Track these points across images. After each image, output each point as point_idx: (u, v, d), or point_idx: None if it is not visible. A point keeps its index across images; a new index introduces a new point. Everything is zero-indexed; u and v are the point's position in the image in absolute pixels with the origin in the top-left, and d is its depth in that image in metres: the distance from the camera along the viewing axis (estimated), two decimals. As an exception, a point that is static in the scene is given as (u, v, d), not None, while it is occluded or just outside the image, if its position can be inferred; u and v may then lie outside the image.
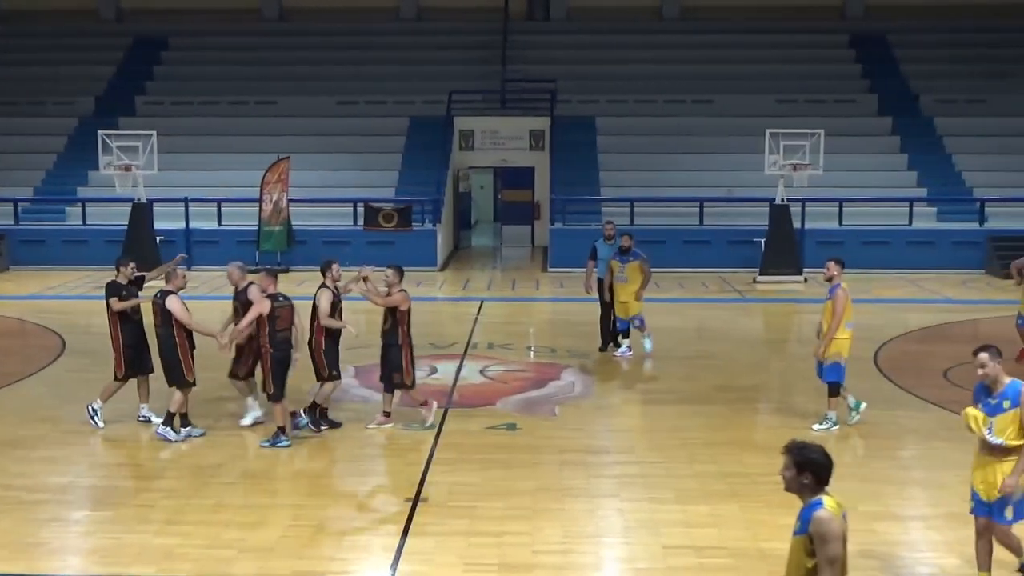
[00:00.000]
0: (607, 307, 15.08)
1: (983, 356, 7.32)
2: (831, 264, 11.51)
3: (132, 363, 11.31)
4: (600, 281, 15.20)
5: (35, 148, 28.85)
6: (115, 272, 11.49)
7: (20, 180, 27.51)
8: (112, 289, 11.33)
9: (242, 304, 11.27)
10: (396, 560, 8.01)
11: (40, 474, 9.93)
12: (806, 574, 5.15)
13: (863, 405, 11.63)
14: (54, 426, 11.54)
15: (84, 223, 26.09)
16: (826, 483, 5.27)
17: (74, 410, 11.89)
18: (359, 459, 10.53)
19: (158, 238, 23.82)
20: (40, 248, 25.39)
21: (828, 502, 5.19)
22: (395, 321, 11.20)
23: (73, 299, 20.62)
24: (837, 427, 11.43)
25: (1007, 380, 7.32)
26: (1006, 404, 7.24)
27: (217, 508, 9.07)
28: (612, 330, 15.21)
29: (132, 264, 11.62)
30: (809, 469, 5.23)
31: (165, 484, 9.65)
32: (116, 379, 11.37)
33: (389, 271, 11.40)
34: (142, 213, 23.69)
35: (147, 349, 11.41)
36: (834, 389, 11.43)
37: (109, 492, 9.47)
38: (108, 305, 11.23)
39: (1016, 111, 28.96)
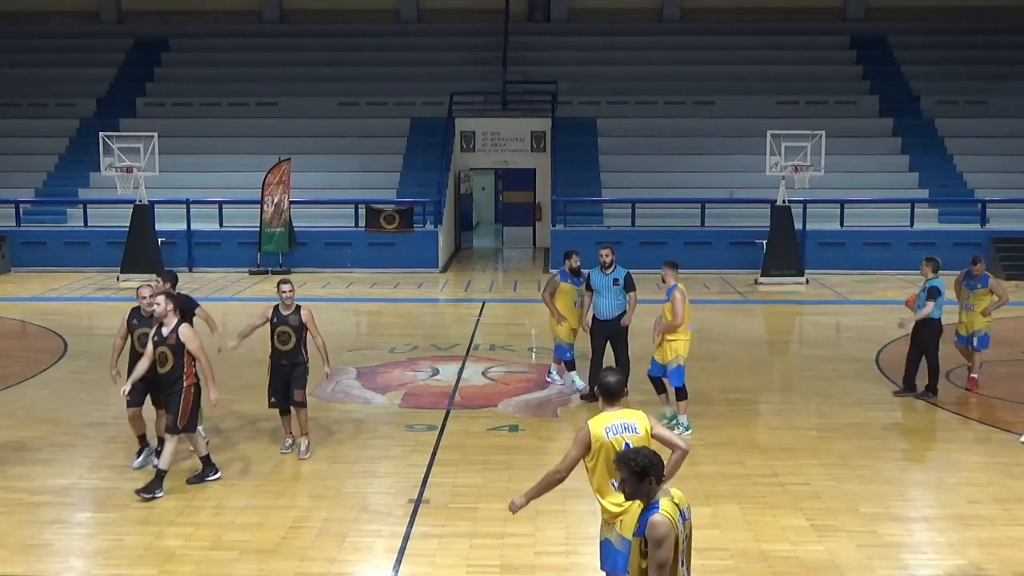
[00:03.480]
0: (602, 346, 12.71)
1: None
2: (667, 268, 11.60)
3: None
4: (594, 319, 12.78)
5: (36, 150, 28.88)
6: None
7: (21, 182, 27.55)
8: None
9: None
10: (398, 561, 8.02)
11: (42, 476, 9.94)
12: (641, 573, 5.32)
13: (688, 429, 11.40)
14: (56, 428, 11.55)
15: (85, 225, 26.11)
16: (663, 479, 5.39)
17: (75, 412, 11.91)
18: (361, 461, 10.52)
19: (160, 240, 23.84)
20: (41, 250, 25.41)
21: (665, 505, 5.29)
22: (299, 339, 10.47)
23: (75, 301, 20.63)
24: (690, 432, 11.28)
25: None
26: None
27: (219, 510, 9.08)
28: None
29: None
30: (651, 473, 5.30)
31: (166, 486, 9.63)
32: None
33: (285, 287, 10.60)
34: (143, 215, 23.70)
35: None
36: (682, 392, 11.48)
37: (111, 494, 9.47)
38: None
39: (1017, 112, 29.01)
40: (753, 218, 25.10)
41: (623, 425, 6.47)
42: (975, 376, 13.36)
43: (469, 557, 8.08)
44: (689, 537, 5.49)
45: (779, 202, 23.53)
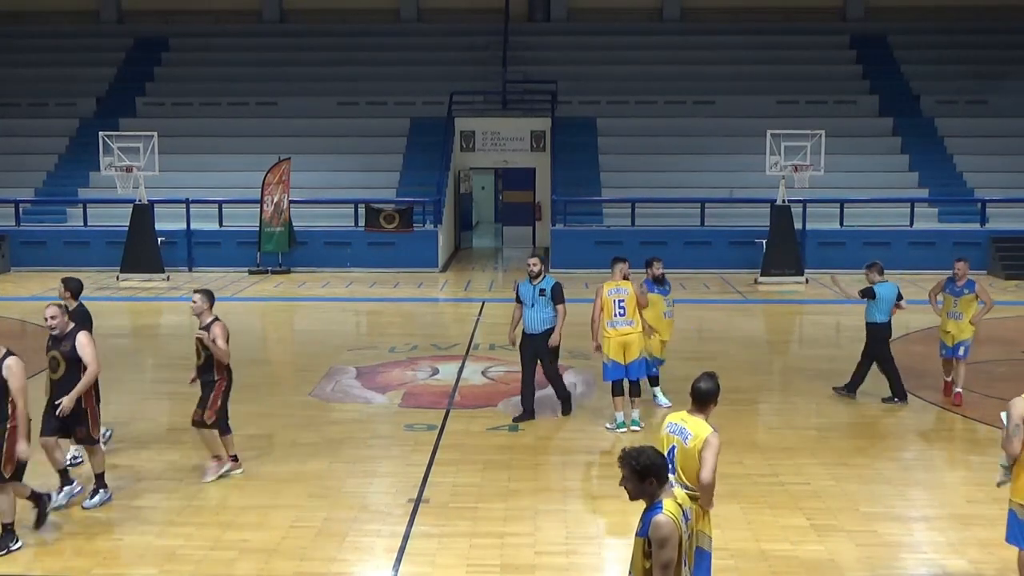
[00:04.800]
0: (533, 363, 11.92)
1: None
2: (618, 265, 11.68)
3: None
4: (524, 334, 11.92)
5: (36, 149, 28.88)
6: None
7: (21, 181, 27.55)
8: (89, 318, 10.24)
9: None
10: (398, 561, 8.02)
11: (41, 476, 9.91)
12: (644, 573, 5.28)
13: (623, 427, 11.45)
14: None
15: (85, 224, 26.12)
16: (666, 480, 5.33)
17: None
18: (361, 460, 10.52)
19: (160, 239, 23.84)
20: (41, 249, 25.41)
21: (668, 505, 5.24)
22: (209, 355, 9.62)
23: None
24: (623, 429, 11.39)
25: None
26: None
27: (219, 509, 9.08)
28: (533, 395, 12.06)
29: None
30: (652, 474, 5.25)
31: (166, 485, 9.64)
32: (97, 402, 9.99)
33: (197, 296, 9.70)
34: (143, 214, 23.71)
35: None
36: (614, 388, 11.51)
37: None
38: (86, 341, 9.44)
39: (1017, 111, 28.99)
40: (753, 218, 25.09)
41: (680, 429, 6.51)
42: (960, 391, 12.58)
43: (469, 557, 8.08)
44: (691, 537, 5.49)
45: (779, 202, 23.53)
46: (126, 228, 23.74)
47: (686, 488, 6.43)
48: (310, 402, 12.84)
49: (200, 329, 9.60)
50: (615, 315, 11.43)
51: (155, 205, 24.19)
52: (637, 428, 11.47)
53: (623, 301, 11.43)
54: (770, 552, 8.14)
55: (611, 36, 32.44)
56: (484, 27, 32.78)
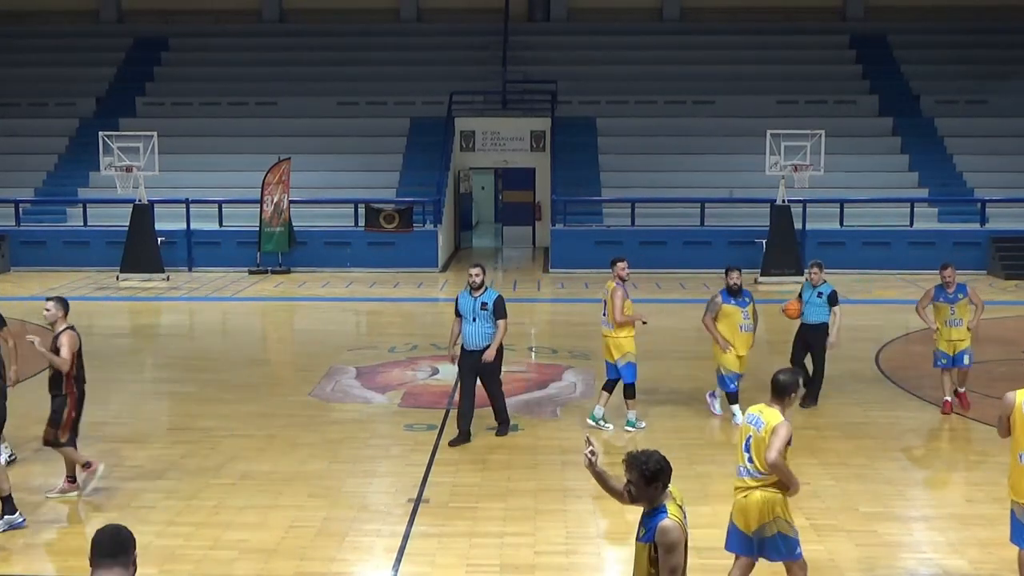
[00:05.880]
0: (471, 382, 11.03)
1: None
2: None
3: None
4: (463, 350, 10.99)
5: (36, 149, 28.87)
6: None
7: (21, 181, 27.53)
8: None
9: None
10: (398, 561, 8.02)
11: (42, 476, 9.93)
12: None
13: (638, 423, 11.58)
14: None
15: (85, 224, 26.10)
16: (667, 485, 5.33)
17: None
18: (360, 460, 10.52)
19: (159, 239, 23.85)
20: (41, 249, 25.39)
21: (671, 508, 5.22)
22: (56, 368, 9.26)
23: (74, 300, 20.57)
24: (600, 423, 11.53)
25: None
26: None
27: (218, 509, 9.08)
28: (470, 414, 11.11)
29: None
30: (659, 479, 5.23)
31: (165, 485, 9.64)
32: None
33: (50, 304, 9.28)
34: (143, 214, 23.69)
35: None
36: (631, 389, 11.56)
37: (109, 494, 9.46)
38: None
39: (1017, 111, 28.98)
40: (753, 217, 25.09)
41: (756, 419, 6.92)
42: (963, 390, 12.32)
43: (469, 556, 8.08)
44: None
45: (779, 201, 23.53)
46: (126, 228, 23.73)
47: (760, 475, 6.83)
48: (310, 402, 12.84)
49: (54, 338, 9.18)
50: (602, 315, 11.55)
51: (155, 205, 24.17)
52: (631, 429, 11.49)
53: (604, 302, 11.51)
54: (770, 552, 8.13)
55: (611, 36, 32.43)
56: (484, 27, 32.77)
